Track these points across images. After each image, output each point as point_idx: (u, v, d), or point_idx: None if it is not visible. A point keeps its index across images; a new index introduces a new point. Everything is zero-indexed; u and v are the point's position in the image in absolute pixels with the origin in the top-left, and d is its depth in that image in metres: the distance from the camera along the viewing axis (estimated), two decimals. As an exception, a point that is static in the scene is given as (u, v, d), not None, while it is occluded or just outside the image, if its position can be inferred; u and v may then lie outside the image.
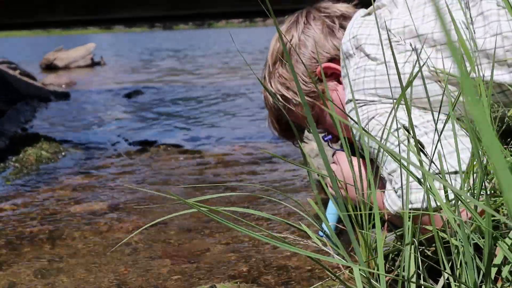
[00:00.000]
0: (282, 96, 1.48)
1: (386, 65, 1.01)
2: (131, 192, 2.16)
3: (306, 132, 1.66)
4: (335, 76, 1.42)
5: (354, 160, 1.16)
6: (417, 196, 1.02)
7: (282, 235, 1.10)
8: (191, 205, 0.68)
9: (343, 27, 1.41)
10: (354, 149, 1.12)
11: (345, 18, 1.43)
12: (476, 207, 0.87)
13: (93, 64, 11.58)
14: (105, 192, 2.20)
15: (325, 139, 1.49)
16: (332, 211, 1.47)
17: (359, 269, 0.82)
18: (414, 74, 0.96)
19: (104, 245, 1.59)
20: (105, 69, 10.83)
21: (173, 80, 7.82)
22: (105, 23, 5.47)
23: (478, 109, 0.34)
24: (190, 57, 13.93)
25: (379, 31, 0.96)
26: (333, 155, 1.44)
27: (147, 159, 2.83)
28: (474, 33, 1.07)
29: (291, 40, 1.44)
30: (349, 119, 1.19)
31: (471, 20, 1.09)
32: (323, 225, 1.25)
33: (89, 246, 1.58)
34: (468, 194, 0.93)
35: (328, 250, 1.08)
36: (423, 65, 0.91)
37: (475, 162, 0.91)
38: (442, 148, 1.03)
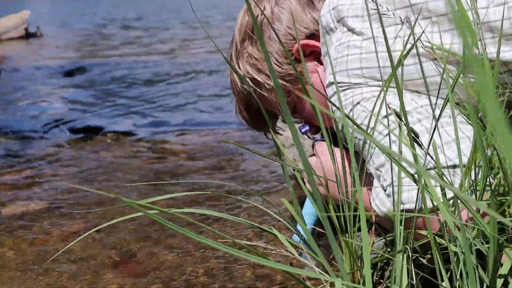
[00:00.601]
0: (252, 79, 1.46)
1: (374, 40, 0.99)
2: (72, 190, 2.12)
3: (280, 122, 1.65)
4: (315, 55, 1.40)
5: (337, 152, 1.15)
6: (409, 195, 1.02)
7: (251, 243, 1.09)
8: (138, 209, 0.66)
9: None
10: (337, 140, 1.11)
11: None
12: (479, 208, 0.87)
13: (28, 35, 11.38)
14: (41, 190, 2.15)
15: (302, 131, 1.48)
16: (310, 212, 1.46)
17: (342, 283, 0.81)
18: (405, 52, 0.95)
19: (40, 254, 1.56)
20: (42, 41, 10.65)
21: (123, 54, 7.72)
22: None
23: (487, 91, 0.33)
24: (143, 27, 13.79)
25: (366, 2, 0.94)
26: (312, 147, 1.42)
27: (92, 150, 2.79)
28: (476, 2, 1.07)
29: (262, 13, 1.42)
30: (331, 105, 1.17)
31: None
32: (299, 228, 1.24)
33: (22, 256, 1.55)
34: (470, 192, 0.92)
35: (305, 259, 1.07)
36: (416, 40, 0.90)
37: (477, 154, 0.90)
38: (440, 138, 1.02)
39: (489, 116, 0.32)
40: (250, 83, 1.46)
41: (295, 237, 1.42)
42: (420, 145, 1.01)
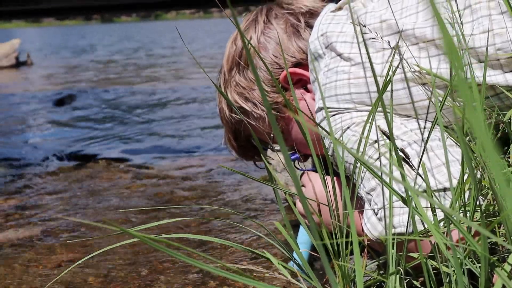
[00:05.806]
0: (240, 108, 1.46)
1: (363, 65, 1.00)
2: (64, 217, 2.12)
3: (269, 150, 1.64)
4: (302, 83, 1.41)
5: (327, 178, 1.16)
6: (401, 219, 1.02)
7: (244, 266, 1.09)
8: (133, 235, 0.66)
9: (309, 26, 1.41)
10: (326, 167, 1.12)
11: (312, 15, 1.43)
12: (469, 228, 0.88)
13: (18, 63, 11.40)
14: (32, 217, 2.15)
15: (291, 158, 1.48)
16: (303, 236, 1.47)
17: (336, 306, 0.81)
18: (393, 76, 0.96)
19: (29, 282, 1.55)
20: (33, 69, 10.67)
21: (113, 82, 7.74)
22: (32, 15, 5.38)
23: (475, 115, 0.34)
24: (133, 55, 13.83)
25: (354, 26, 0.96)
26: (300, 177, 1.42)
27: (84, 177, 2.78)
28: (463, 28, 1.08)
29: (248, 42, 1.42)
30: (321, 130, 1.18)
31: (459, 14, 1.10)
32: (294, 253, 1.25)
33: (11, 285, 1.54)
34: (461, 213, 0.93)
35: (299, 283, 1.07)
36: (401, 64, 0.91)
37: (466, 177, 0.91)
38: (430, 161, 1.03)
39: (478, 138, 0.33)
40: (238, 111, 1.47)
41: (291, 263, 1.42)
42: (411, 166, 1.02)
